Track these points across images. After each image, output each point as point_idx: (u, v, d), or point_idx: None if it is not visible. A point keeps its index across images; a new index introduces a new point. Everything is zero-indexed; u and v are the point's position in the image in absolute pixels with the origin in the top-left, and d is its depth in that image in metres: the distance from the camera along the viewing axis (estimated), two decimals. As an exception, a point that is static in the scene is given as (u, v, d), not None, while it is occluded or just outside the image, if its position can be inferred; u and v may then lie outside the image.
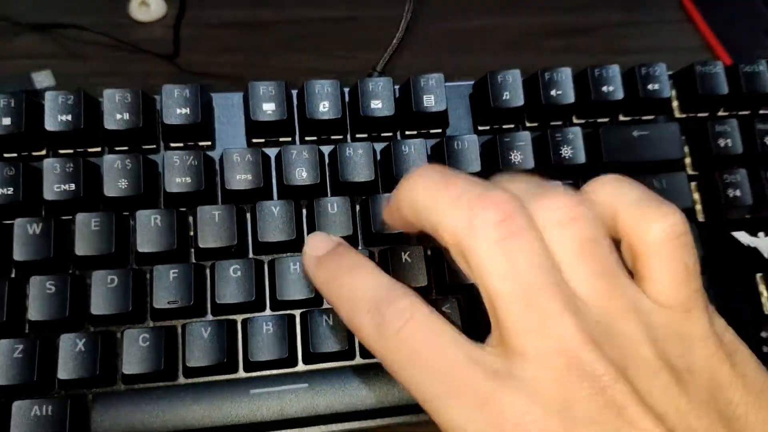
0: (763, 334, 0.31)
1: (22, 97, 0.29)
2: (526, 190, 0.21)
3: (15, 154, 0.30)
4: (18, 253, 0.27)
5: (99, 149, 0.30)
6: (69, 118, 0.29)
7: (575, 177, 0.31)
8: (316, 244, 0.25)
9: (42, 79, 0.36)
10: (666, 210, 0.21)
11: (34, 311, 0.27)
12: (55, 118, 0.29)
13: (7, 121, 0.28)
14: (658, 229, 0.20)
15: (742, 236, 0.33)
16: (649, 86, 0.32)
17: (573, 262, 0.20)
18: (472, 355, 0.20)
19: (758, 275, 0.32)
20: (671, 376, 0.19)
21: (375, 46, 0.38)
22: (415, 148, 0.30)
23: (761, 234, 0.33)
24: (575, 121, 0.33)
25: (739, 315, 0.32)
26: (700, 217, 0.33)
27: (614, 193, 0.22)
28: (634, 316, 0.20)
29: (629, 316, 0.20)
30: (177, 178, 0.28)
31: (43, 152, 0.30)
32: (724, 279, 0.32)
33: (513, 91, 0.31)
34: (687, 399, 0.19)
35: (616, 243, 0.22)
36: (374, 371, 0.28)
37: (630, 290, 0.20)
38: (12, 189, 0.28)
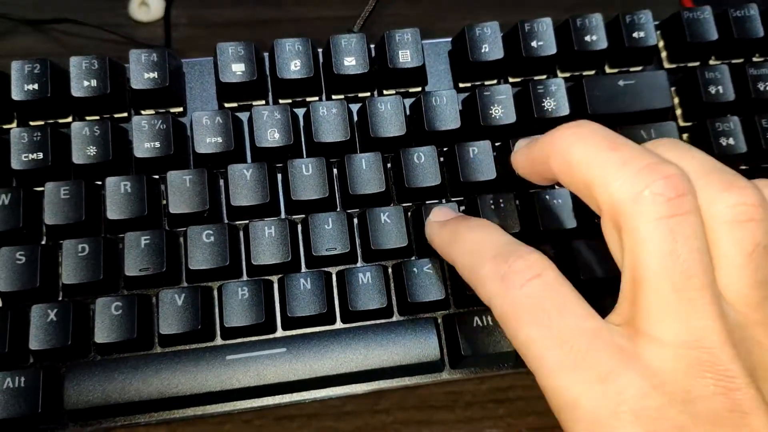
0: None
1: (47, 63, 0.29)
2: (704, 169, 0.20)
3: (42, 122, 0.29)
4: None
5: (69, 119, 0.29)
6: (35, 87, 0.28)
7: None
8: (440, 213, 0.26)
9: None
10: (736, 182, 0.19)
11: (4, 282, 0.26)
12: (21, 88, 0.28)
13: (32, 87, 0.28)
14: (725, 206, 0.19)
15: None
16: (635, 34, 0.31)
17: (736, 264, 0.19)
18: (599, 327, 0.19)
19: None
20: None
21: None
22: (391, 105, 0.29)
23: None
24: (559, 75, 0.32)
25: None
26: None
27: (694, 161, 0.20)
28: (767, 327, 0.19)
29: (765, 327, 0.19)
30: (146, 143, 0.28)
31: (13, 125, 0.29)
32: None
33: (492, 44, 0.30)
34: None
35: None
36: (355, 335, 0.27)
37: None
38: (41, 154, 0.27)
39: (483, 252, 0.21)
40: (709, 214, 0.19)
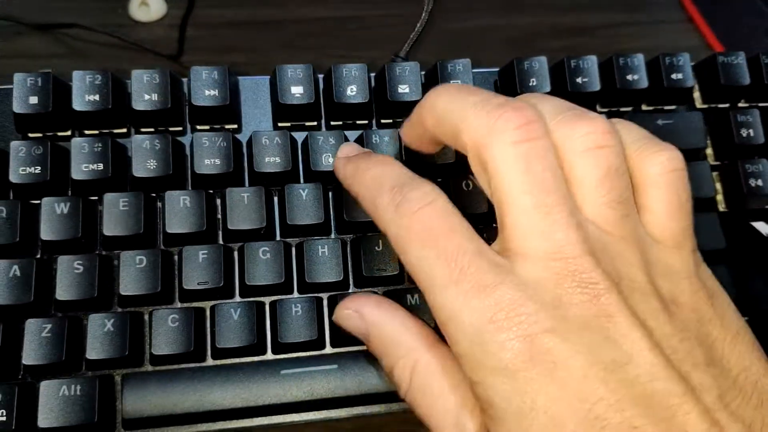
0: (784, 322, 0.31)
1: (49, 77, 0.29)
2: (557, 110, 0.22)
3: (40, 134, 0.29)
4: (45, 233, 0.27)
5: (125, 130, 0.30)
6: (97, 98, 0.29)
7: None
8: (347, 148, 0.27)
9: None
10: (666, 146, 0.22)
11: (62, 291, 0.27)
12: (82, 98, 0.28)
13: (34, 100, 0.28)
14: (658, 161, 0.22)
15: (761, 226, 0.33)
16: (673, 75, 0.33)
17: (593, 186, 0.21)
18: (481, 248, 0.20)
19: (778, 265, 0.33)
20: (659, 302, 0.20)
21: (377, 46, 0.38)
22: (442, 133, 0.30)
23: (780, 224, 0.33)
24: (599, 109, 0.33)
25: (758, 303, 0.32)
26: (721, 207, 0.33)
27: (622, 132, 0.23)
28: (634, 244, 0.21)
29: (630, 243, 0.21)
30: (206, 160, 0.28)
31: (68, 132, 0.30)
32: (745, 268, 0.32)
33: (540, 77, 0.32)
34: (672, 324, 0.20)
35: None
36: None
37: (635, 223, 0.22)
38: (39, 168, 0.28)
39: (382, 184, 0.23)
40: (566, 148, 0.21)
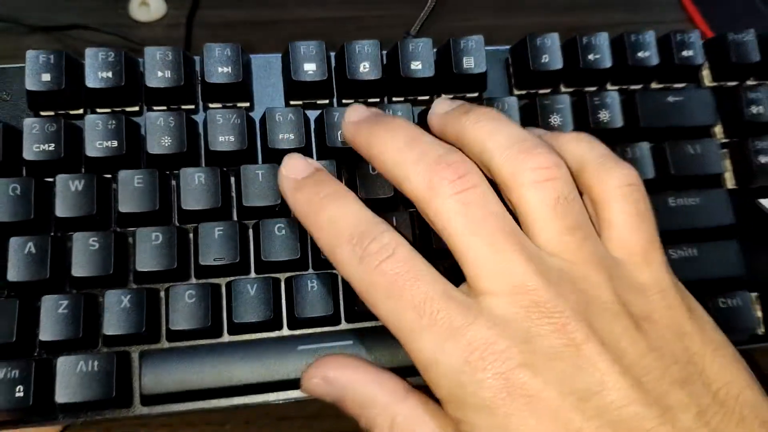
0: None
1: (62, 54, 0.28)
2: (505, 143, 0.23)
3: (52, 112, 0.29)
4: (60, 210, 0.27)
5: (137, 108, 0.30)
6: (110, 75, 0.28)
7: (613, 141, 0.31)
8: (294, 164, 0.26)
9: None
10: (624, 164, 0.24)
11: (78, 267, 0.27)
12: (95, 75, 0.28)
13: (47, 77, 0.28)
14: (615, 176, 0.23)
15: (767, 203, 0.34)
16: (683, 53, 0.33)
17: (547, 218, 0.22)
18: (447, 291, 0.21)
19: (786, 241, 0.33)
20: (630, 321, 0.21)
21: None
22: (455, 110, 0.30)
23: (788, 201, 0.34)
24: (609, 87, 0.33)
25: (764, 278, 0.32)
26: (730, 184, 0.33)
27: (582, 150, 0.24)
28: (597, 265, 0.21)
29: (593, 265, 0.21)
30: (220, 137, 0.28)
31: (80, 111, 0.30)
32: (753, 244, 0.33)
33: (552, 54, 0.32)
34: (646, 343, 0.20)
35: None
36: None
37: (596, 243, 0.22)
38: (53, 145, 0.27)
39: (339, 232, 0.23)
40: (515, 182, 0.22)
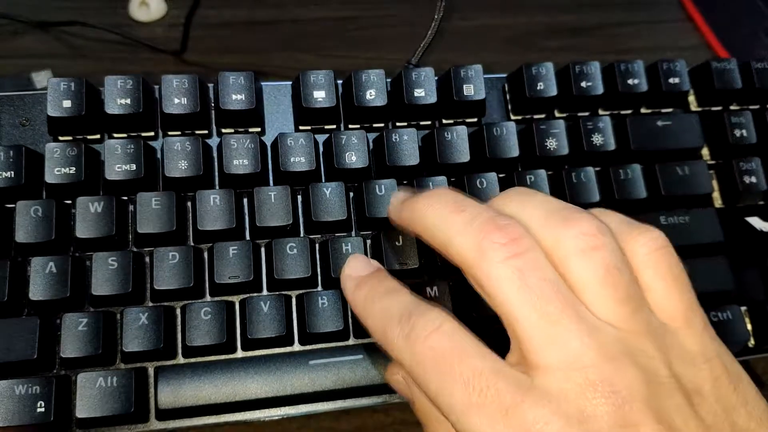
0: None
1: (82, 82, 0.30)
2: (545, 213, 0.22)
3: (71, 137, 0.30)
4: (80, 231, 0.28)
5: (153, 133, 0.31)
6: (128, 101, 0.30)
7: (605, 163, 0.33)
8: (356, 265, 0.26)
9: (42, 79, 0.36)
10: (647, 227, 0.23)
11: (98, 286, 0.27)
12: (114, 102, 0.30)
13: (67, 104, 0.29)
14: (643, 242, 0.22)
15: (755, 221, 0.35)
16: (671, 80, 0.35)
17: (597, 289, 0.21)
18: (496, 366, 0.20)
19: (772, 257, 0.35)
20: (683, 397, 0.20)
21: (376, 46, 0.39)
22: (457, 134, 0.32)
23: (773, 219, 0.35)
24: (601, 112, 0.35)
25: (753, 293, 0.34)
26: (718, 204, 0.35)
27: (607, 220, 0.23)
28: (651, 337, 0.21)
29: (647, 337, 0.21)
30: (235, 161, 0.30)
31: (98, 136, 0.31)
32: (741, 260, 0.34)
33: (547, 82, 0.33)
34: (697, 420, 0.20)
35: None
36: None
37: (648, 314, 0.21)
38: (74, 169, 0.29)
39: (391, 315, 0.23)
40: (560, 252, 0.21)
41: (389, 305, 0.23)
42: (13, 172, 0.28)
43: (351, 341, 0.29)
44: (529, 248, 0.21)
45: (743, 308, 0.33)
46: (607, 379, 0.19)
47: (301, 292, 0.29)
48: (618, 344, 0.20)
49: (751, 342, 0.33)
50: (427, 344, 0.21)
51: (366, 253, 0.30)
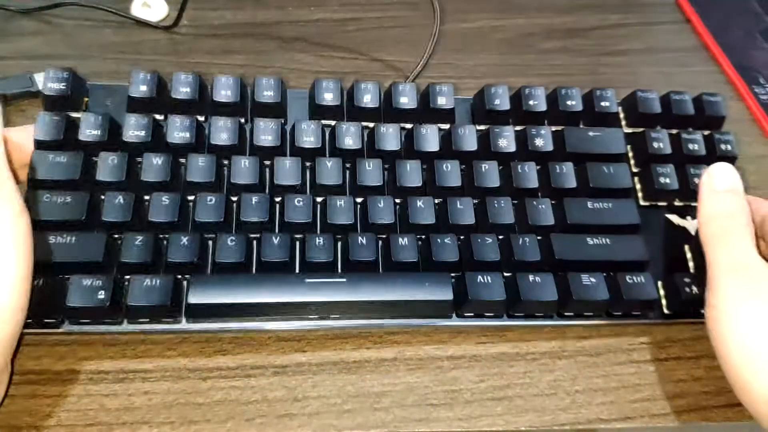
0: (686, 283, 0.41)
1: (156, 75, 0.41)
2: None
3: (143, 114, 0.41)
4: (144, 175, 0.38)
5: (203, 118, 0.42)
6: (188, 90, 0.41)
7: (545, 160, 0.42)
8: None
9: (43, 79, 0.38)
10: None
11: (152, 216, 0.37)
12: (177, 90, 0.41)
13: (144, 88, 0.40)
14: None
15: (674, 218, 0.44)
16: (602, 103, 0.45)
17: None
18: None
19: (686, 246, 0.43)
20: None
21: (375, 47, 0.40)
22: (430, 131, 0.42)
23: (688, 218, 0.44)
24: (546, 125, 0.45)
25: (667, 269, 0.42)
26: (643, 203, 0.44)
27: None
28: None
29: None
30: (263, 136, 0.40)
31: (162, 117, 0.41)
32: (661, 247, 0.42)
33: (502, 99, 0.44)
34: None
35: None
36: (394, 278, 0.37)
37: None
38: (144, 132, 0.39)
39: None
40: None
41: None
42: (99, 131, 0.39)
43: (338, 271, 0.38)
44: None
45: (659, 282, 0.41)
46: None
47: (302, 235, 0.38)
48: None
49: (666, 311, 0.41)
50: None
51: (355, 213, 0.39)
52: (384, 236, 0.39)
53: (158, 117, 0.41)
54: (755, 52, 0.45)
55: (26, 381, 0.34)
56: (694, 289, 0.40)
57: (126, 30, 0.38)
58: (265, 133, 0.40)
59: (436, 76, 0.44)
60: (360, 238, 0.38)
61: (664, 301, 0.41)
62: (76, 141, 0.38)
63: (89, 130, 0.39)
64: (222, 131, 0.40)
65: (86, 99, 0.42)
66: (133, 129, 0.39)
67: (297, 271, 0.38)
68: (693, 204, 0.44)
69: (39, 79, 0.41)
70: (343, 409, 0.35)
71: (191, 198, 0.39)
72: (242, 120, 0.42)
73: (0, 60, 0.39)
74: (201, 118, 0.42)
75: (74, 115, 0.40)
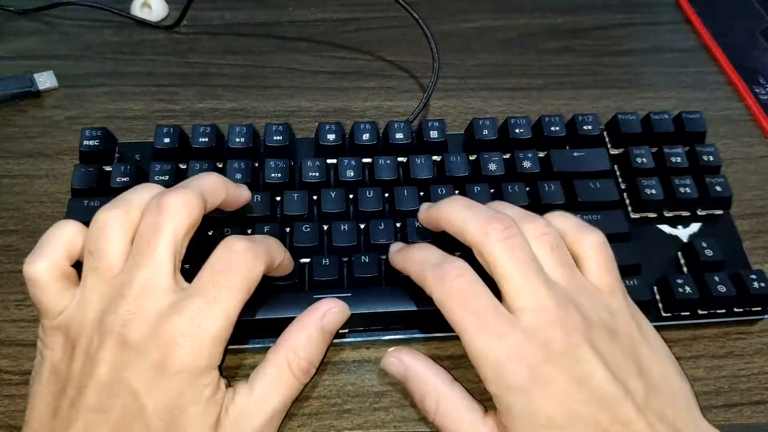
0: (680, 283, 0.42)
1: (177, 128, 0.46)
2: (517, 216, 0.34)
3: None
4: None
5: (221, 165, 0.47)
6: (206, 140, 0.46)
7: (533, 181, 0.46)
8: (395, 246, 0.39)
9: (44, 79, 0.40)
10: (594, 229, 0.35)
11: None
12: (197, 140, 0.46)
13: (167, 140, 0.46)
14: (589, 239, 0.34)
15: (665, 228, 0.46)
16: (585, 127, 0.48)
17: (546, 258, 0.33)
18: (497, 307, 0.31)
19: (679, 253, 0.45)
20: (607, 333, 0.31)
21: (374, 47, 0.41)
22: (424, 160, 0.46)
23: (679, 227, 0.46)
24: (536, 150, 0.48)
25: (661, 273, 0.43)
26: (633, 215, 0.46)
27: (563, 221, 0.35)
28: (584, 291, 0.32)
29: (582, 291, 0.32)
30: (273, 174, 0.45)
31: (184, 166, 0.47)
32: (655, 256, 0.44)
33: (491, 130, 0.48)
34: (617, 347, 0.31)
35: None
36: (399, 293, 0.40)
37: (580, 278, 0.33)
38: (167, 178, 0.44)
39: (427, 262, 0.33)
40: (527, 236, 0.32)
41: (424, 256, 0.34)
42: (128, 178, 0.44)
43: (345, 287, 0.41)
44: (515, 233, 0.32)
45: (655, 287, 0.43)
46: (562, 316, 0.30)
47: (307, 259, 0.42)
48: (565, 295, 0.31)
49: (663, 313, 0.42)
50: (453, 284, 0.31)
51: (358, 235, 0.43)
52: (385, 257, 0.42)
53: (181, 166, 0.46)
54: (755, 52, 0.45)
55: (26, 381, 0.34)
56: (689, 289, 0.41)
57: (126, 30, 0.39)
58: (276, 171, 0.45)
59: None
60: (363, 257, 0.41)
61: (660, 305, 0.42)
62: (108, 188, 0.44)
63: (119, 177, 0.44)
64: (236, 172, 0.45)
65: (117, 155, 0.47)
66: (158, 175, 0.44)
67: (306, 287, 0.41)
68: (683, 214, 0.46)
69: (39, 79, 0.40)
70: (343, 409, 0.36)
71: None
72: (255, 164, 0.47)
73: (-1, 60, 0.39)
74: (219, 165, 0.47)
75: (107, 168, 0.46)
